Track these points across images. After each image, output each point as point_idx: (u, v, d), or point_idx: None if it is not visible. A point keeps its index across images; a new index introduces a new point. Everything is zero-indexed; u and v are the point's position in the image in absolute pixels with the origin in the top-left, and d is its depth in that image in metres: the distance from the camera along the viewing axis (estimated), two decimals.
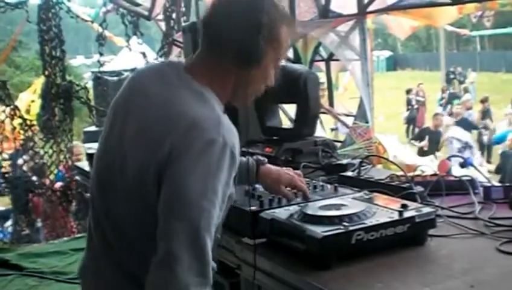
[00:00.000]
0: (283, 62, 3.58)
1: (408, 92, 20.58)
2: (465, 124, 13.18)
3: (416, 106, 19.88)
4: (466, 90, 20.73)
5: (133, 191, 1.67)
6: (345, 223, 1.76)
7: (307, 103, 3.19)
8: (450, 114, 17.43)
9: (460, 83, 24.66)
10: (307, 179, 2.46)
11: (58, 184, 7.75)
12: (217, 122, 1.63)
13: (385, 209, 1.91)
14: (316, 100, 3.25)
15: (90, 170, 3.78)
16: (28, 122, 7.53)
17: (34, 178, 7.76)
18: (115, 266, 1.79)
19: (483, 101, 15.99)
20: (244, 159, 2.10)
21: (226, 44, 1.73)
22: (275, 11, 1.75)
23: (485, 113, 15.18)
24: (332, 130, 9.68)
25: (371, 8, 4.50)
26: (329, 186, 2.34)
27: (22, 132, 7.46)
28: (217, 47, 1.75)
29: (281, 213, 1.97)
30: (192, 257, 1.53)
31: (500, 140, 12.13)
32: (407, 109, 20.07)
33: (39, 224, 7.93)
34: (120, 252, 1.77)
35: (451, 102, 18.48)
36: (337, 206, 1.95)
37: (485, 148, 14.12)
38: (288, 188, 2.15)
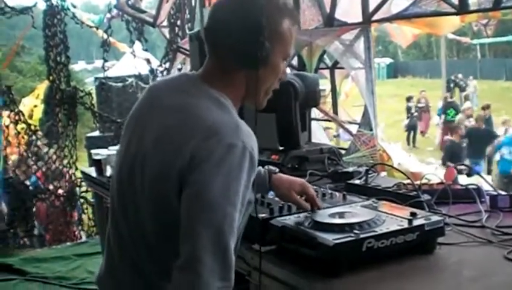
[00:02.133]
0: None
1: (408, 99, 20.59)
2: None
3: (416, 114, 19.90)
4: (466, 98, 20.75)
5: (153, 196, 1.70)
6: (355, 231, 1.78)
7: (280, 113, 3.22)
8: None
9: (462, 90, 24.68)
10: (315, 187, 2.48)
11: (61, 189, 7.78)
12: (236, 126, 1.66)
13: (394, 217, 1.93)
14: (287, 111, 3.24)
15: (98, 177, 3.85)
16: (32, 127, 7.56)
17: (28, 183, 7.77)
18: (132, 270, 1.82)
19: (485, 108, 15.96)
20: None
21: (230, 50, 1.76)
22: (273, 7, 1.75)
23: (486, 121, 15.14)
24: (334, 136, 9.74)
25: (375, 17, 4.52)
26: (337, 194, 2.36)
27: (25, 137, 7.49)
28: (222, 54, 1.78)
29: (291, 220, 1.99)
30: (215, 260, 1.55)
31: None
32: (407, 117, 20.09)
33: (37, 230, 7.94)
34: (138, 256, 1.80)
35: (446, 112, 18.44)
36: (347, 214, 1.98)
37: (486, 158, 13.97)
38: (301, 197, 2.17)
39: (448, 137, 12.84)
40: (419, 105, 20.37)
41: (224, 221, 1.58)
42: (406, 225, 1.85)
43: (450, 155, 12.18)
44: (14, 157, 7.99)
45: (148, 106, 1.86)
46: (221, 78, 1.79)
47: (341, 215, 1.98)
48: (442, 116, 18.61)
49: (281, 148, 3.31)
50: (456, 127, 12.91)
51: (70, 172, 7.69)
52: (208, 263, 1.54)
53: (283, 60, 1.84)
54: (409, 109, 20.31)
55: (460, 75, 26.53)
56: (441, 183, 2.59)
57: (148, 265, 1.79)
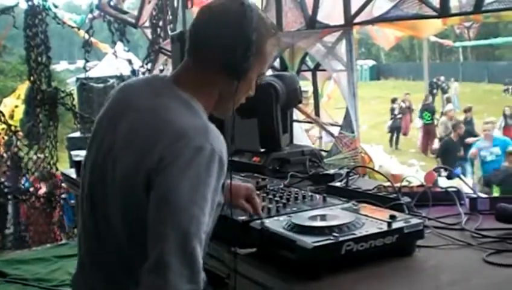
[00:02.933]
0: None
1: (393, 101, 20.70)
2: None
3: (399, 115, 20.00)
4: (448, 100, 20.90)
5: (123, 197, 1.70)
6: (334, 234, 1.77)
7: (262, 115, 3.21)
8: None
9: (444, 93, 24.84)
10: (296, 189, 2.48)
11: (42, 190, 7.73)
12: (205, 130, 1.66)
13: (374, 220, 1.92)
14: (269, 113, 3.23)
15: (77, 178, 3.82)
16: (13, 128, 7.50)
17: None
18: (102, 273, 1.82)
19: (467, 110, 16.09)
20: None
21: (214, 57, 1.77)
22: (262, 25, 1.79)
23: (468, 123, 15.26)
24: (317, 138, 9.76)
25: (357, 20, 4.54)
26: (317, 196, 2.35)
27: (6, 137, 7.44)
28: (205, 59, 1.79)
29: (271, 223, 1.98)
30: (182, 263, 1.54)
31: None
32: (391, 118, 20.19)
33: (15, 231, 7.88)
34: (108, 259, 1.80)
35: (422, 115, 18.59)
36: (327, 217, 1.97)
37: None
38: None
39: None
40: (404, 105, 20.49)
41: (190, 225, 1.56)
42: (385, 227, 1.85)
43: (443, 151, 12.27)
44: None
45: (119, 106, 1.84)
46: (196, 82, 1.79)
47: (321, 218, 1.97)
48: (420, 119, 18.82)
49: (262, 150, 3.31)
50: (457, 125, 12.96)
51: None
52: (175, 267, 1.53)
53: (257, 77, 1.88)
54: (392, 111, 20.41)
55: (442, 78, 26.69)
56: (421, 185, 2.59)
57: (118, 268, 1.78)
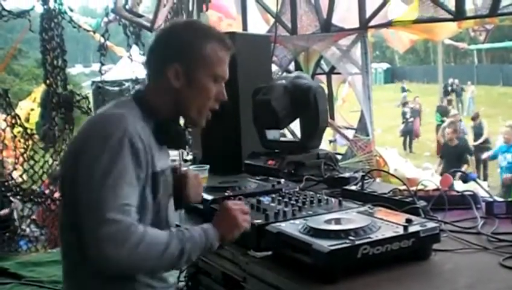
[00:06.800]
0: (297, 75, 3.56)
1: (404, 104, 20.65)
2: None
3: (411, 119, 19.94)
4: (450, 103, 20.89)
5: None
6: (351, 237, 1.77)
7: (317, 116, 3.22)
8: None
9: (458, 96, 24.74)
10: (311, 193, 2.48)
11: (58, 193, 7.74)
12: (118, 118, 1.88)
13: (390, 224, 1.92)
14: (325, 113, 3.29)
15: None
16: (29, 131, 7.52)
17: (34, 187, 7.73)
18: None
19: (474, 118, 15.88)
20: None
21: (158, 69, 2.01)
22: (200, 33, 2.02)
23: (476, 129, 15.13)
24: (330, 142, 9.71)
25: (372, 23, 4.54)
26: (333, 200, 2.35)
27: (22, 140, 7.46)
28: (154, 72, 2.05)
29: (287, 227, 1.99)
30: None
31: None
32: (403, 122, 20.14)
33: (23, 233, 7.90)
34: None
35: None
36: (343, 221, 1.97)
37: (481, 164, 14.00)
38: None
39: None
40: (414, 107, 20.45)
41: (102, 203, 1.76)
42: (401, 231, 1.85)
43: (447, 155, 12.08)
44: (10, 161, 7.96)
45: None
46: (154, 92, 2.03)
47: (336, 221, 1.97)
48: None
49: (276, 151, 3.32)
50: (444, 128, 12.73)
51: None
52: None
53: (214, 81, 2.02)
54: (404, 114, 20.36)
55: (456, 81, 26.57)
56: (437, 189, 2.59)
57: None
